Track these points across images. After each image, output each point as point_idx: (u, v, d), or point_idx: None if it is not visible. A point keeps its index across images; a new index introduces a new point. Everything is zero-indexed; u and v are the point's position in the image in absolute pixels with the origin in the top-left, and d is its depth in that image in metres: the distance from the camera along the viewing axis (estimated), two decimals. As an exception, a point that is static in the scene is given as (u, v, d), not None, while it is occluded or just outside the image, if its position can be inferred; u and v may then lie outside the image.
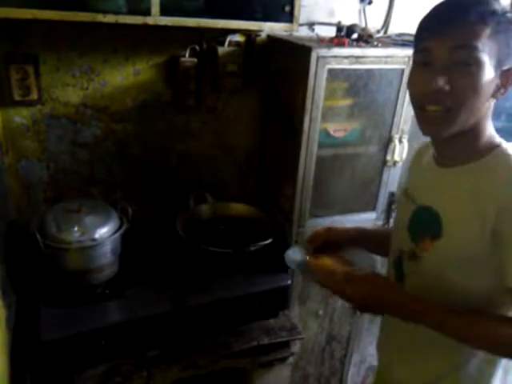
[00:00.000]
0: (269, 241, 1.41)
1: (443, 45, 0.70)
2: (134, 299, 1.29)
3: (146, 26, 1.17)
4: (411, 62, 0.81)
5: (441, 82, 0.70)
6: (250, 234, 1.48)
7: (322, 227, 1.07)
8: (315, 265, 0.93)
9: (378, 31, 1.65)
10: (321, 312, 1.69)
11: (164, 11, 1.17)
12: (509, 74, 0.73)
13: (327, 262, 0.93)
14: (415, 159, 1.00)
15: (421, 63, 0.75)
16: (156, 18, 1.18)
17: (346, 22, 1.48)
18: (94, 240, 1.20)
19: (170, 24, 1.19)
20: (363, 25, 1.61)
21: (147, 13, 1.16)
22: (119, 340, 1.22)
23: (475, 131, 0.78)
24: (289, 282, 1.46)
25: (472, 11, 0.69)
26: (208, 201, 1.62)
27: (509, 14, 0.70)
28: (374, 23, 1.66)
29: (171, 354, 1.28)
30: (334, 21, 1.54)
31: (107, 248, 1.25)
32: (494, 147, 0.78)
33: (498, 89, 0.73)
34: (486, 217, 0.73)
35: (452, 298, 0.78)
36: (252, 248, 1.39)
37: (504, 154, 0.77)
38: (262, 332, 1.39)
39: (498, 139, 0.80)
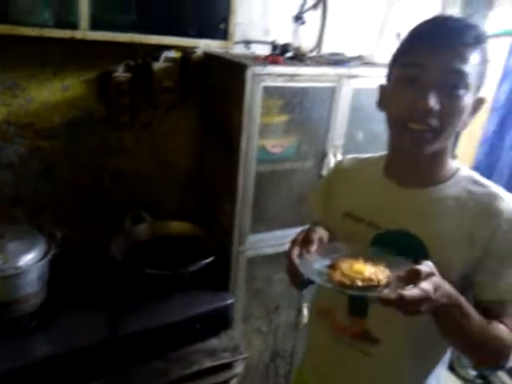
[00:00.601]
0: (209, 260, 1.38)
1: (438, 65, 0.69)
2: (65, 330, 1.21)
3: (74, 40, 1.12)
4: (389, 80, 0.79)
5: (432, 102, 0.69)
6: (190, 253, 1.45)
7: (302, 231, 0.80)
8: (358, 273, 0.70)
9: (312, 50, 1.71)
10: (264, 328, 1.68)
11: (94, 25, 1.13)
12: (479, 103, 0.76)
13: (361, 267, 0.71)
14: (347, 178, 0.94)
15: (407, 79, 0.73)
16: (85, 33, 1.13)
17: (281, 41, 1.52)
18: (18, 268, 1.12)
19: (100, 39, 1.15)
20: (297, 44, 1.66)
21: (75, 27, 1.12)
22: (49, 377, 1.12)
23: (445, 153, 0.80)
24: (231, 300, 1.44)
25: (468, 35, 0.69)
26: (146, 220, 1.56)
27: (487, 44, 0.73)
28: (307, 42, 1.72)
29: (106, 385, 1.20)
30: (270, 39, 1.58)
31: (33, 276, 1.16)
32: (456, 169, 0.82)
33: (468, 115, 0.76)
34: (474, 239, 0.75)
35: (426, 319, 0.72)
36: (191, 268, 1.35)
37: (469, 175, 0.82)
38: (204, 355, 1.35)
39: (455, 162, 0.84)
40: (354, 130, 1.56)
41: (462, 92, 0.70)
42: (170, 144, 1.59)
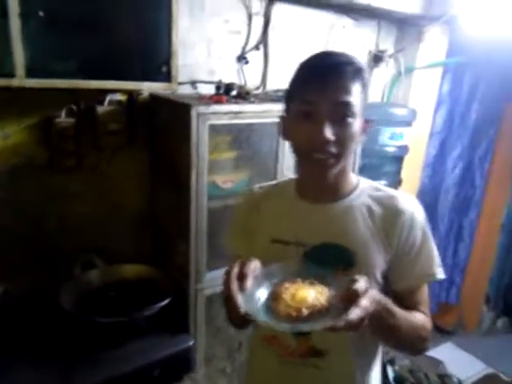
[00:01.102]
0: (165, 302, 1.34)
1: (327, 100, 0.77)
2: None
3: (12, 88, 1.10)
4: (287, 113, 0.85)
5: (328, 133, 0.77)
6: (146, 296, 1.40)
7: (235, 264, 0.75)
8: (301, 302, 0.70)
9: (257, 88, 1.77)
10: (228, 369, 1.63)
11: (31, 73, 1.12)
12: (367, 124, 0.85)
13: (303, 294, 0.71)
14: (262, 207, 0.95)
15: (302, 113, 0.79)
16: (22, 81, 1.12)
17: (227, 81, 1.57)
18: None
19: (37, 86, 1.14)
20: (242, 83, 1.72)
21: (11, 75, 1.10)
22: None
23: (347, 171, 0.89)
24: (191, 342, 1.40)
25: (347, 70, 0.77)
26: (97, 266, 1.51)
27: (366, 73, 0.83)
28: (253, 81, 1.78)
29: None
30: (216, 79, 1.62)
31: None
32: (357, 181, 0.92)
33: (360, 135, 0.84)
34: (388, 238, 0.85)
35: None
36: (147, 313, 1.31)
37: (370, 183, 0.92)
38: (166, 403, 1.29)
39: (354, 176, 0.93)
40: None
41: (350, 120, 0.79)
42: (119, 186, 1.56)
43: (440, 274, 0.88)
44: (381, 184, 0.93)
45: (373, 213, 0.86)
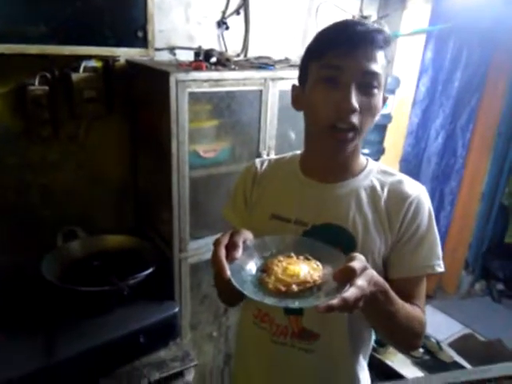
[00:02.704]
0: (149, 271, 1.35)
1: (356, 67, 0.73)
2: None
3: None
4: (304, 80, 0.80)
5: (356, 102, 0.73)
6: (130, 266, 1.40)
7: (225, 234, 0.73)
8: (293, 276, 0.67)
9: (238, 55, 1.74)
10: (215, 333, 1.67)
11: (0, 38, 1.08)
12: (384, 101, 0.81)
13: (295, 269, 0.68)
14: (264, 181, 0.93)
15: (327, 79, 0.75)
16: (-9, 46, 1.08)
17: (207, 47, 1.53)
18: None
19: (8, 52, 1.10)
20: (223, 49, 1.68)
21: (-20, 40, 1.06)
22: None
23: (358, 150, 0.85)
24: (176, 309, 1.42)
25: (378, 39, 0.74)
26: (79, 236, 1.50)
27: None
28: (234, 47, 1.74)
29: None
30: (195, 45, 1.59)
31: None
32: (366, 162, 0.89)
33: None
34: (391, 223, 0.82)
35: None
36: (131, 282, 1.32)
37: (378, 166, 0.88)
38: (153, 367, 1.32)
39: (363, 156, 0.89)
40: (285, 130, 1.60)
41: (376, 91, 0.76)
42: (99, 156, 1.54)
43: (440, 266, 0.83)
44: (388, 167, 0.89)
45: (378, 196, 0.83)
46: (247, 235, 0.73)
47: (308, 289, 0.66)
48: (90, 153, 1.51)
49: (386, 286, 0.71)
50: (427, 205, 0.84)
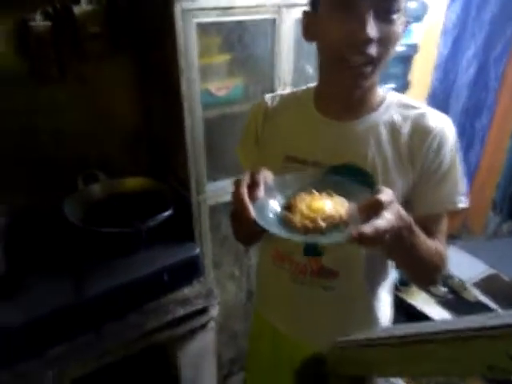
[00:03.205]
0: (168, 212, 1.36)
1: None
2: (30, 297, 1.19)
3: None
4: (315, 5, 0.73)
5: (373, 31, 0.65)
6: (150, 208, 1.41)
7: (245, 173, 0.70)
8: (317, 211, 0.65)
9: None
10: (237, 273, 1.71)
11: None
12: (405, 26, 0.74)
13: (319, 204, 0.66)
14: (276, 119, 0.88)
15: (340, 3, 0.67)
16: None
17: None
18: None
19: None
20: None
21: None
22: (22, 344, 1.12)
23: (376, 82, 0.79)
24: (197, 250, 1.44)
25: None
26: (99, 179, 1.52)
27: None
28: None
29: (80, 346, 1.20)
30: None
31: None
32: (384, 95, 0.82)
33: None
34: (413, 160, 0.77)
35: None
36: (151, 223, 1.34)
37: (398, 98, 0.82)
38: (177, 304, 1.37)
39: (381, 87, 0.83)
40: (302, 64, 1.51)
41: (395, 17, 0.68)
42: (110, 97, 1.50)
43: (462, 202, 0.80)
44: (410, 99, 0.83)
45: (399, 132, 0.78)
46: (267, 174, 0.70)
47: (334, 226, 0.63)
48: (99, 94, 1.47)
49: (411, 220, 0.68)
50: (452, 138, 0.80)
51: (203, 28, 1.24)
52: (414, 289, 2.34)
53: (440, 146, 0.78)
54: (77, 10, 1.28)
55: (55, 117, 1.42)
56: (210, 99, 1.37)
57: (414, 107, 0.81)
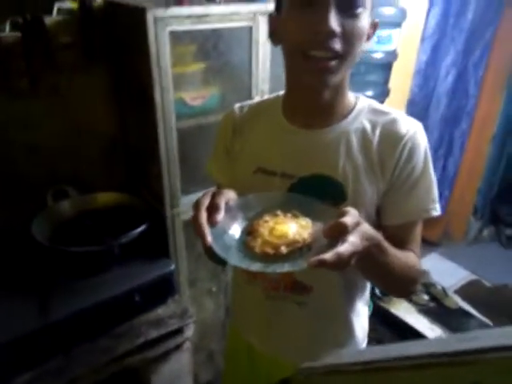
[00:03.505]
0: (141, 228, 1.29)
1: None
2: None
3: None
4: (280, 8, 0.69)
5: (334, 23, 0.63)
6: (123, 223, 1.35)
7: (205, 195, 0.67)
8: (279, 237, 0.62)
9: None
10: (214, 289, 1.65)
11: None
12: (374, 27, 0.72)
13: (283, 229, 0.63)
14: (245, 130, 0.85)
15: (302, 2, 0.65)
16: None
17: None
18: None
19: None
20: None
21: None
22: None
23: (345, 86, 0.75)
24: (172, 267, 1.38)
25: None
26: (70, 195, 1.44)
27: None
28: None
29: (48, 372, 1.13)
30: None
31: None
32: (355, 100, 0.79)
33: (365, 39, 0.71)
34: (384, 168, 0.75)
35: None
36: (123, 240, 1.27)
37: (368, 104, 0.79)
38: (150, 325, 1.30)
39: (352, 93, 0.79)
40: (280, 72, 1.46)
41: (360, 10, 0.65)
42: (84, 109, 1.43)
43: (436, 210, 0.78)
44: (381, 104, 0.80)
45: (369, 140, 0.75)
46: (230, 195, 0.67)
47: (298, 249, 0.61)
48: (74, 106, 1.40)
49: (379, 237, 0.66)
50: (423, 144, 0.76)
51: (177, 36, 1.19)
52: (396, 298, 2.32)
53: (411, 153, 0.75)
54: (48, 20, 1.21)
55: (27, 130, 1.36)
56: (185, 109, 1.31)
57: (384, 113, 0.78)
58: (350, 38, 0.65)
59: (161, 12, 1.12)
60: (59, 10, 1.26)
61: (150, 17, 1.11)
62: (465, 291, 2.55)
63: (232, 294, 1.07)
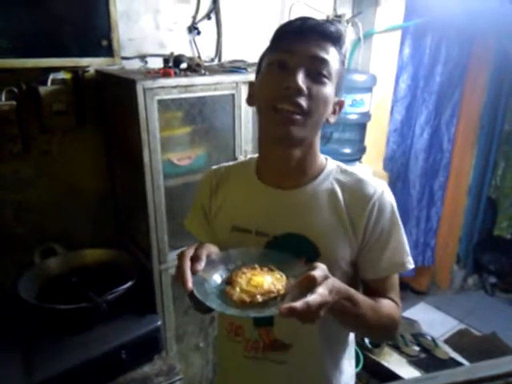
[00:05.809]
0: (128, 284, 1.32)
1: (305, 51, 0.72)
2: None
3: None
4: (263, 66, 0.78)
5: (302, 83, 0.70)
6: (110, 280, 1.37)
7: (190, 247, 0.72)
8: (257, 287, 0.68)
9: (212, 59, 1.72)
10: (201, 344, 1.64)
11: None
12: (339, 105, 0.80)
13: (259, 280, 0.69)
14: (221, 191, 0.89)
15: (277, 64, 0.73)
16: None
17: (179, 53, 1.51)
18: None
19: (-33, 68, 1.07)
20: (196, 54, 1.66)
21: None
22: None
23: (314, 148, 0.81)
24: (158, 323, 1.38)
25: (329, 32, 0.74)
26: (58, 253, 1.47)
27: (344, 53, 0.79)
28: (207, 52, 1.72)
29: None
30: (167, 52, 1.56)
31: None
32: (324, 162, 0.85)
33: (330, 113, 0.79)
34: (355, 227, 0.79)
35: None
36: (109, 296, 1.29)
37: (337, 165, 0.85)
38: (137, 383, 1.29)
39: (322, 155, 0.86)
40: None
41: (325, 79, 0.74)
42: (74, 169, 1.51)
43: (409, 263, 0.82)
44: (347, 166, 0.86)
45: (338, 200, 0.80)
46: (212, 249, 0.73)
47: (272, 299, 0.67)
48: (64, 167, 1.48)
49: (350, 291, 0.71)
50: (390, 202, 0.82)
51: (164, 104, 1.30)
52: (386, 350, 2.30)
53: (380, 213, 0.79)
54: (43, 90, 1.32)
55: (17, 190, 1.42)
56: (172, 169, 1.39)
57: (351, 174, 0.83)
58: (315, 98, 0.73)
59: (149, 83, 1.24)
60: (54, 80, 1.37)
61: (139, 87, 1.22)
62: (454, 341, 2.54)
63: (216, 350, 1.09)
